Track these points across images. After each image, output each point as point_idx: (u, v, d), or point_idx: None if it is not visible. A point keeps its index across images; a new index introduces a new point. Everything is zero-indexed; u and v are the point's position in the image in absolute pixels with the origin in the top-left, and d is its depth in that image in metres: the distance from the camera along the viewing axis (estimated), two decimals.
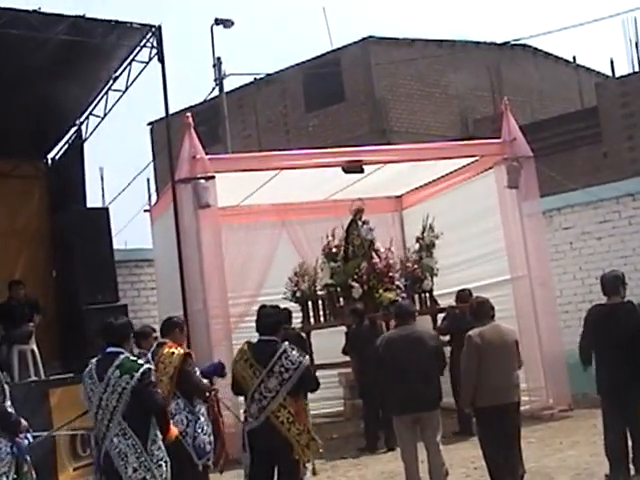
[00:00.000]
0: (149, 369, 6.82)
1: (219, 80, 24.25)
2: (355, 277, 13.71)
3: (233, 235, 15.46)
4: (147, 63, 12.92)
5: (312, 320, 14.16)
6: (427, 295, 14.25)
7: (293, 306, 13.97)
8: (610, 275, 9.06)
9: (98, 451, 6.84)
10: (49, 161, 14.92)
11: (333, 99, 27.65)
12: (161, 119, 33.13)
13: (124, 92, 13.63)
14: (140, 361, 6.89)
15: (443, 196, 15.54)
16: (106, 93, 13.88)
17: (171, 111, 27.61)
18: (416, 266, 14.19)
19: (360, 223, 14.20)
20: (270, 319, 7.90)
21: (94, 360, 7.11)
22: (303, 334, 13.38)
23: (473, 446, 9.57)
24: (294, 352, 7.65)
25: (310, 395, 13.22)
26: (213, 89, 24.77)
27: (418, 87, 27.63)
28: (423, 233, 14.54)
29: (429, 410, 8.57)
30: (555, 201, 15.56)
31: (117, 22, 12.20)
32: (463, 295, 13.06)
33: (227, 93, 27.42)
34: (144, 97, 15.53)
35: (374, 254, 14.04)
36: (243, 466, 7.81)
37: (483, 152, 14.25)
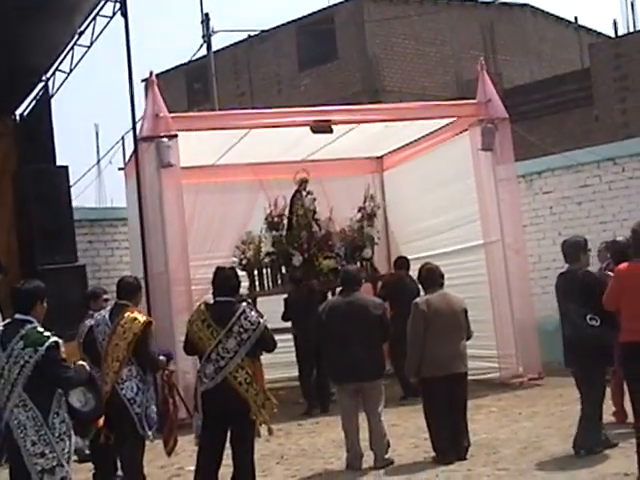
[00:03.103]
0: (56, 343, 6.47)
1: (207, 37, 23.85)
2: (295, 246, 13.76)
3: (208, 195, 15.27)
4: (111, 18, 12.60)
5: (257, 287, 14.13)
6: (368, 263, 14.22)
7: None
8: (570, 241, 8.72)
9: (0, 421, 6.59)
10: (17, 117, 14.59)
11: (326, 57, 27.24)
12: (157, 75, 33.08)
13: (89, 47, 13.30)
14: (46, 333, 6.50)
15: (421, 158, 15.23)
16: (72, 48, 13.53)
17: (166, 67, 27.15)
18: (356, 235, 14.16)
19: (304, 193, 14.25)
20: (229, 281, 7.75)
21: (0, 326, 6.85)
22: (249, 300, 13.35)
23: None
24: (253, 313, 7.51)
25: (281, 358, 13.28)
26: (201, 46, 24.39)
27: (413, 46, 27.15)
28: (365, 202, 14.59)
29: (371, 380, 8.34)
30: (535, 165, 15.26)
31: None
32: (399, 262, 13.34)
33: (219, 50, 27.07)
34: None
35: (314, 223, 14.07)
36: (194, 428, 7.60)
37: (456, 113, 13.88)
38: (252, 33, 28.29)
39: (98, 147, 33.78)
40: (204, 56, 26.22)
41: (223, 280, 7.72)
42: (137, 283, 8.48)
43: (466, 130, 13.78)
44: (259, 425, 7.49)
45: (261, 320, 7.48)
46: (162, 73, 32.01)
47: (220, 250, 14.89)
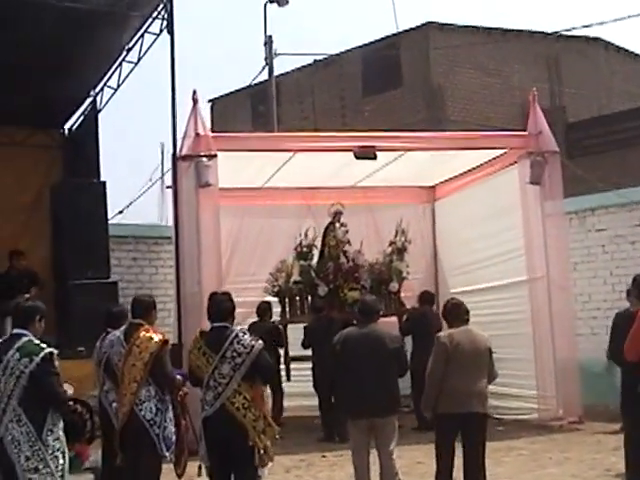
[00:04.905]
0: (51, 353, 6.44)
1: (269, 59, 23.77)
2: (321, 276, 13.80)
3: (255, 218, 15.20)
4: (158, 35, 12.61)
5: (288, 314, 14.15)
6: (394, 296, 14.06)
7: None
8: None
9: None
10: (65, 131, 14.66)
11: (390, 84, 27.04)
12: (221, 97, 33.16)
13: (136, 64, 13.33)
14: (42, 345, 6.49)
15: (471, 189, 14.96)
16: (120, 64, 13.57)
17: (232, 89, 27.14)
18: (383, 268, 14.05)
19: (338, 225, 14.29)
20: (222, 306, 7.54)
21: None
22: (280, 327, 13.66)
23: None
24: (246, 336, 7.32)
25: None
26: (263, 68, 24.29)
27: (478, 76, 26.77)
28: (395, 237, 14.45)
29: (384, 416, 7.99)
30: (588, 201, 14.81)
31: None
32: (424, 296, 13.38)
33: (284, 74, 26.98)
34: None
35: (342, 255, 14.09)
36: (200, 457, 7.43)
37: (505, 144, 13.57)
38: (317, 57, 28.17)
39: (163, 165, 33.95)
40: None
41: (216, 305, 7.57)
42: (151, 301, 8.35)
43: (515, 162, 13.45)
44: (259, 452, 7.23)
45: (255, 344, 7.27)
46: (229, 94, 32.21)
47: (264, 274, 14.76)
